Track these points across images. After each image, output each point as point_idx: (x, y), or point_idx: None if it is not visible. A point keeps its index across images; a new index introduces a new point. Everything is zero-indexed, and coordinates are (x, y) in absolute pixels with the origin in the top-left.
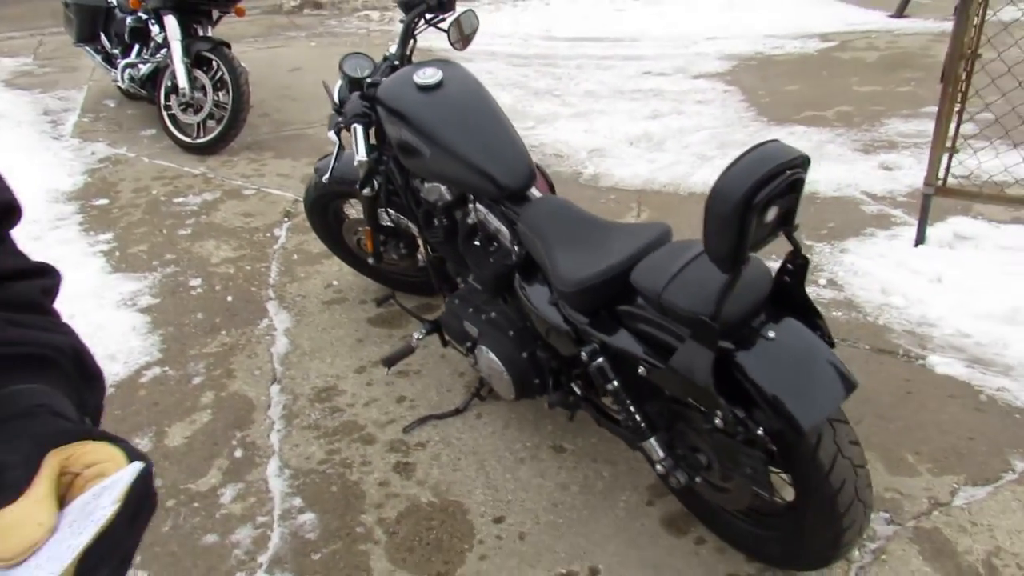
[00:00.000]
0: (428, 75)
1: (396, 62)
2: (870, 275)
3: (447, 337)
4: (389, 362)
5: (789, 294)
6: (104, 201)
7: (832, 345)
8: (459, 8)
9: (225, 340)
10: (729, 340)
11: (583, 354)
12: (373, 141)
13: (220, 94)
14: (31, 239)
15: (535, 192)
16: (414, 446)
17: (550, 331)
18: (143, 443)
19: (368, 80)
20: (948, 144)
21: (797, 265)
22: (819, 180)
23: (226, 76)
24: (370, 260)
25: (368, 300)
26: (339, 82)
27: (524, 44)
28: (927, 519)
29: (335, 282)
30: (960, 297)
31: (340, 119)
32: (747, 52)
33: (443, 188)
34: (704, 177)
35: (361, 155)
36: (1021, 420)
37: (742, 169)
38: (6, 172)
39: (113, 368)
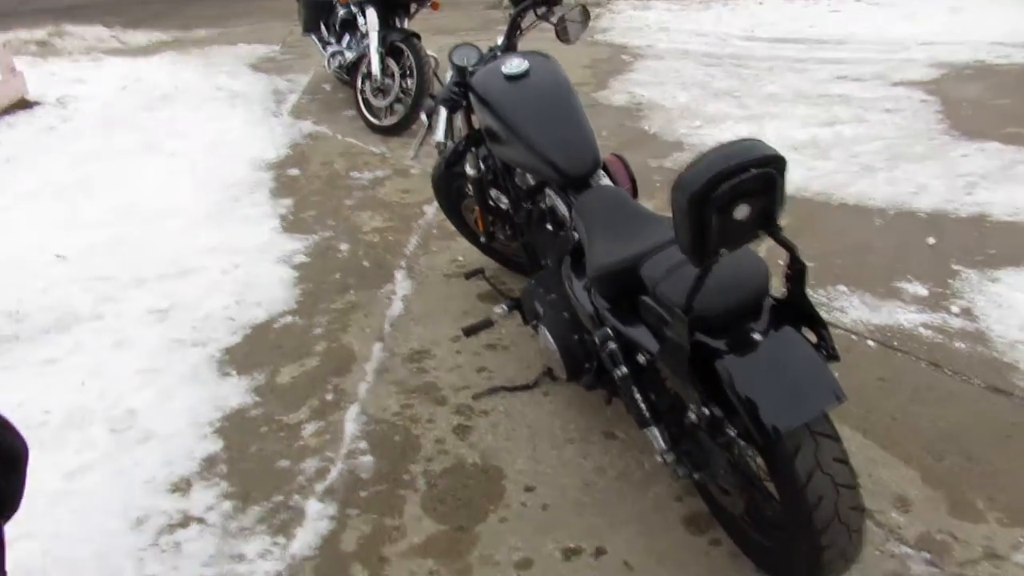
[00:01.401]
0: (515, 65)
1: (499, 52)
2: (1013, 309)
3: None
4: (469, 331)
5: (797, 302)
6: (295, 171)
7: (833, 358)
8: (568, 3)
9: (351, 299)
10: (716, 338)
11: (596, 338)
12: (461, 125)
13: (408, 81)
14: (231, 200)
15: (601, 182)
16: (478, 412)
17: (582, 314)
18: (260, 378)
19: (469, 68)
20: None
21: (795, 271)
22: (995, 203)
23: (413, 65)
24: (481, 239)
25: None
26: (450, 72)
27: (721, 44)
28: (973, 567)
29: (460, 257)
30: None
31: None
32: (964, 60)
33: (527, 174)
34: (862, 189)
35: (439, 136)
36: None
37: (705, 163)
38: (228, 144)
39: (256, 313)
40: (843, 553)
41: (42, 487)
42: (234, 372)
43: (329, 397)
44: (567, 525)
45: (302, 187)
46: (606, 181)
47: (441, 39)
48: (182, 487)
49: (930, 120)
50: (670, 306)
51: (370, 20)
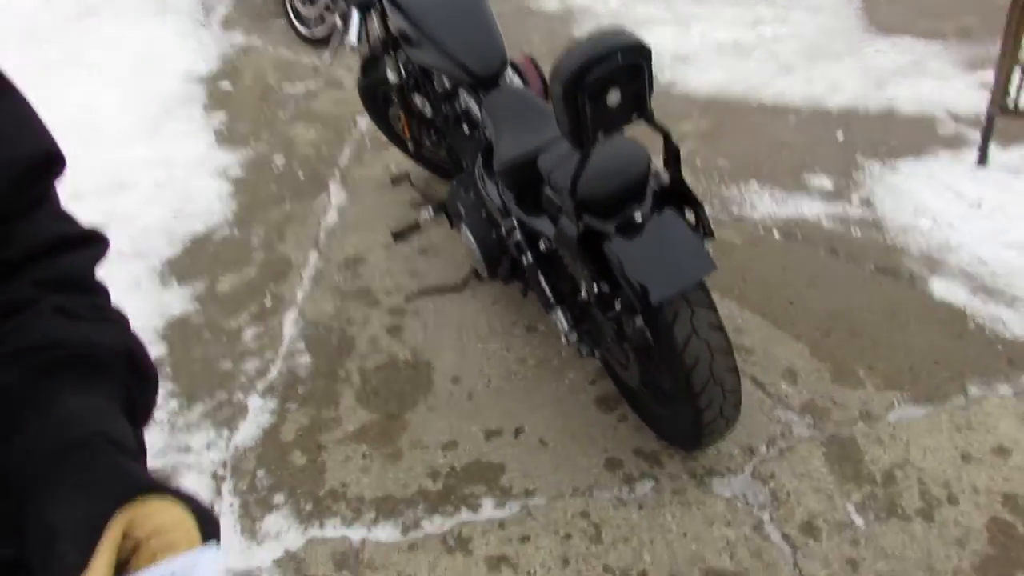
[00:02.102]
0: None
1: None
2: (909, 195)
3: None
4: (397, 236)
5: (675, 186)
6: (227, 84)
7: (709, 235)
8: None
9: (287, 210)
10: (603, 221)
11: (503, 229)
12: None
13: None
14: (164, 113)
15: (511, 82)
16: (410, 313)
17: (492, 209)
18: (200, 287)
19: None
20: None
21: (670, 154)
22: (899, 96)
23: None
24: (409, 146)
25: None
26: None
27: None
28: (848, 428)
29: (393, 167)
30: (995, 225)
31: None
32: None
33: (443, 77)
34: (780, 89)
35: (352, 40)
36: (1001, 351)
37: (576, 52)
38: (158, 57)
39: (195, 225)
40: (722, 412)
41: None
42: (175, 282)
43: (268, 303)
44: (490, 409)
45: (235, 100)
46: (517, 82)
47: None
48: None
49: (850, 18)
50: (560, 192)
51: None
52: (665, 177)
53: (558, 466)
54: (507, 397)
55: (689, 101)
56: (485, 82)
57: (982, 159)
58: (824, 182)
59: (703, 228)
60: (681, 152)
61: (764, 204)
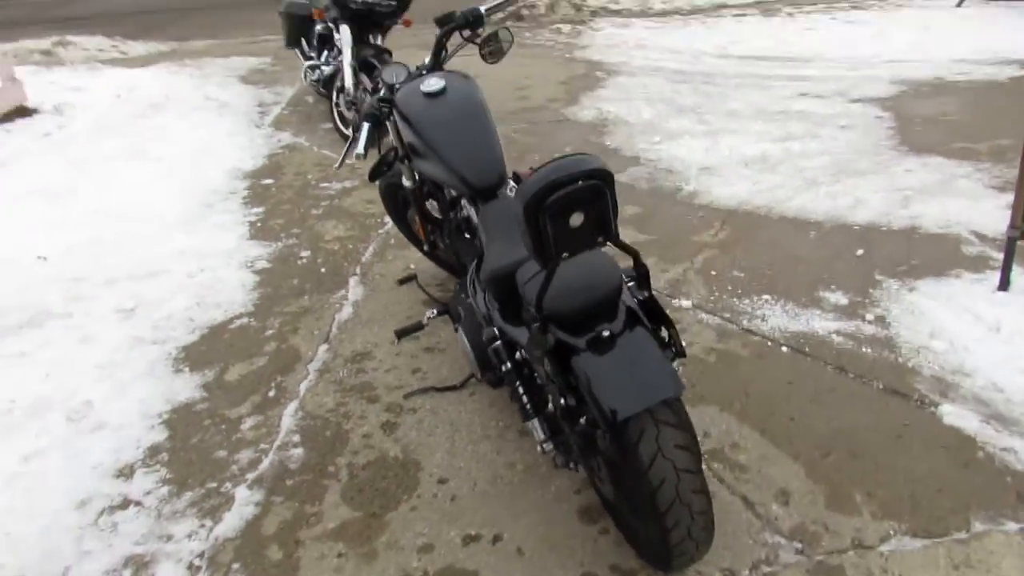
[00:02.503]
0: (432, 84)
1: (424, 71)
2: (926, 316)
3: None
4: (400, 334)
5: (648, 304)
6: (269, 181)
7: (680, 355)
8: (493, 27)
9: (305, 303)
10: (574, 336)
11: (484, 336)
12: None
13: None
14: (205, 206)
15: (510, 193)
16: (407, 410)
17: (479, 315)
18: (209, 375)
19: (396, 85)
20: None
21: (639, 274)
22: (924, 215)
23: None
24: (424, 247)
25: (432, 283)
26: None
27: (693, 61)
28: (838, 557)
29: (412, 265)
30: (1013, 350)
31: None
32: (925, 77)
33: (448, 188)
34: (803, 203)
35: (359, 149)
36: (1010, 483)
37: (539, 176)
38: (211, 152)
39: (215, 314)
40: (690, 534)
41: (1, 468)
42: (187, 369)
43: (271, 394)
44: (472, 514)
45: (273, 196)
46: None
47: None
48: (126, 472)
49: (880, 136)
50: (529, 306)
51: (344, 36)
52: (639, 294)
53: None
54: (491, 501)
55: (711, 211)
56: (483, 193)
57: (1004, 283)
58: (839, 298)
59: (675, 347)
60: (697, 261)
61: (775, 317)
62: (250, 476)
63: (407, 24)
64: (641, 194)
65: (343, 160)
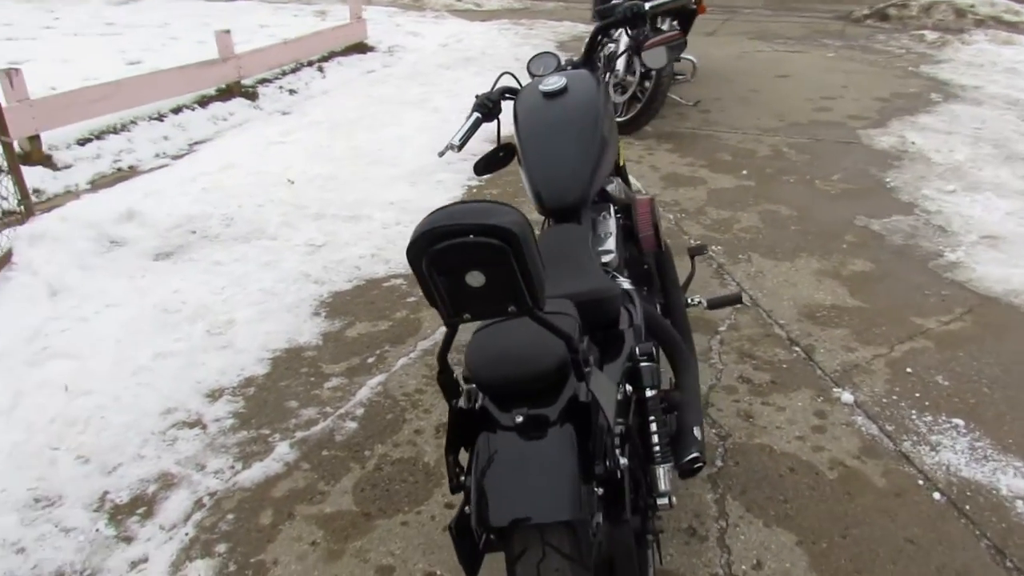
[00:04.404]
0: (553, 82)
1: (569, 66)
2: None
3: None
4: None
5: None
6: None
7: (611, 464)
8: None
9: None
10: (500, 410)
11: None
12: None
13: (647, 82)
14: (443, 163)
15: (603, 219)
16: None
17: None
18: (335, 327)
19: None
20: None
21: (572, 360)
22: None
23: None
24: None
25: None
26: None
27: None
28: None
29: None
30: None
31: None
32: None
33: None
34: None
35: (455, 141)
36: None
37: (431, 217)
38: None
39: (377, 269)
40: None
41: (134, 358)
42: (323, 314)
43: (370, 360)
44: (447, 553)
45: None
46: (608, 219)
47: (758, 44)
48: (214, 395)
49: None
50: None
51: None
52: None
53: None
54: None
55: (961, 292)
56: (552, 214)
57: None
58: None
59: (604, 456)
60: (899, 350)
61: (951, 452)
62: (298, 435)
63: (702, 11)
64: (885, 250)
65: (447, 146)
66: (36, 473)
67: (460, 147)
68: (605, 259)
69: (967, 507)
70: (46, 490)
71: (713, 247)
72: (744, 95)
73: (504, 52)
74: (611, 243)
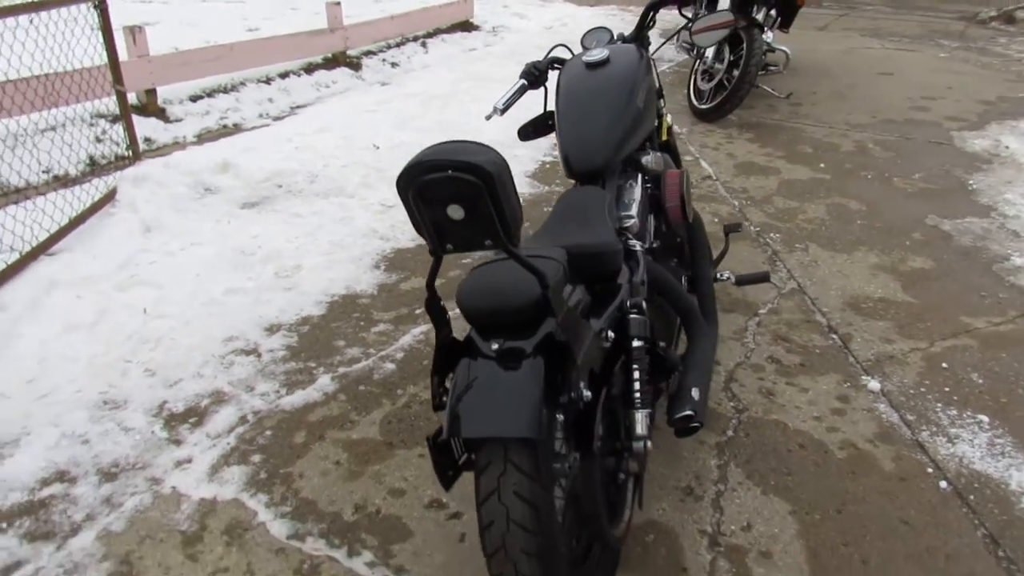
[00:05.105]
0: (596, 54)
1: (620, 40)
2: None
3: None
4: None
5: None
6: None
7: (572, 393)
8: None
9: None
10: (483, 339)
11: None
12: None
13: (735, 70)
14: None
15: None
16: None
17: None
18: (392, 279)
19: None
20: None
21: (544, 298)
22: None
23: (743, 55)
24: None
25: None
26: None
27: None
28: None
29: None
30: None
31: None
32: None
33: None
34: None
35: (499, 104)
36: None
37: (419, 153)
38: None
39: None
40: None
41: (209, 291)
42: (383, 268)
43: (417, 312)
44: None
45: None
46: (634, 187)
47: (870, 41)
48: (273, 329)
49: None
50: None
51: (722, 1)
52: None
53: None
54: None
55: (1018, 296)
56: (578, 177)
57: None
58: None
59: (570, 386)
60: (939, 346)
61: (969, 445)
62: (341, 370)
63: (801, 3)
64: (950, 250)
65: (493, 110)
66: (108, 380)
67: (503, 111)
68: (626, 223)
69: (971, 497)
70: (114, 395)
71: (772, 235)
72: (841, 90)
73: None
74: (634, 209)
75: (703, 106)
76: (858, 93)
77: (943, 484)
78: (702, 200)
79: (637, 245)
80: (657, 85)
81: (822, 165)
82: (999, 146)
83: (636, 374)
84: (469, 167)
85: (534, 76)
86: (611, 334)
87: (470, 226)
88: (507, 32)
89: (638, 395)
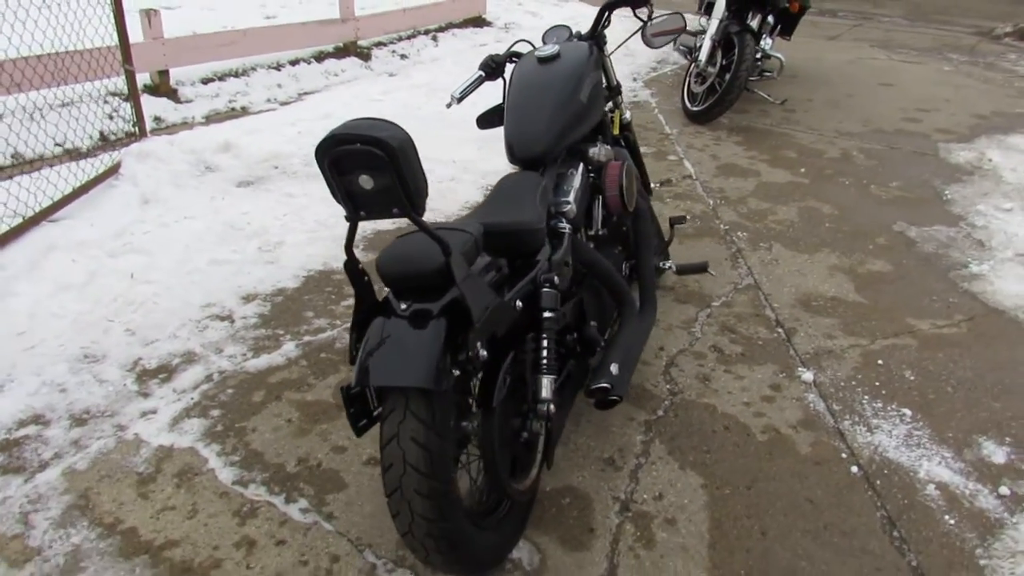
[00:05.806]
0: (547, 49)
1: (576, 38)
2: None
3: None
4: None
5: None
6: None
7: (470, 352)
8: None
9: None
10: (397, 299)
11: None
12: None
13: (726, 74)
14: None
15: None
16: None
17: None
18: (368, 258)
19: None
20: None
21: (447, 268)
22: None
23: (735, 60)
24: None
25: None
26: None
27: None
28: None
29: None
30: None
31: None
32: None
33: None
34: None
35: (455, 93)
36: None
37: (334, 128)
38: None
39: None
40: (413, 533)
41: (194, 261)
42: (361, 247)
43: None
44: None
45: None
46: (574, 175)
47: (877, 52)
48: (249, 298)
49: None
50: None
51: (717, 7)
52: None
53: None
54: None
55: (970, 303)
56: (520, 163)
57: None
58: (997, 453)
59: (469, 344)
60: (879, 344)
61: (886, 436)
62: (306, 339)
63: (794, 8)
64: (911, 255)
65: (450, 101)
66: (91, 337)
67: (460, 100)
68: (563, 208)
69: (878, 482)
70: (94, 351)
71: (739, 233)
72: (837, 99)
73: (617, 38)
74: (572, 196)
75: (694, 108)
76: (854, 102)
77: (854, 469)
78: (678, 198)
79: (567, 228)
80: (614, 82)
81: (802, 170)
82: (983, 159)
83: (544, 343)
84: (375, 141)
85: (491, 68)
86: (519, 304)
87: (379, 195)
88: (519, 29)
89: (545, 362)
